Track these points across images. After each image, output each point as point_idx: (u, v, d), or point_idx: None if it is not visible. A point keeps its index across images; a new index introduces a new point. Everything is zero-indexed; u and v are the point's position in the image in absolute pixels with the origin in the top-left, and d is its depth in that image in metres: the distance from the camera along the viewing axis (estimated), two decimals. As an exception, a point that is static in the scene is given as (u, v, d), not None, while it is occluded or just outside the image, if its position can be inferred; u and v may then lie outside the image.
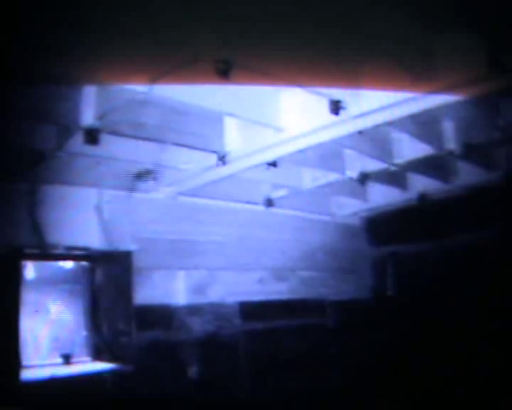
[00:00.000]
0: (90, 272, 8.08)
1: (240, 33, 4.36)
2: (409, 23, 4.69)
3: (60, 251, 7.50)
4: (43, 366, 7.36)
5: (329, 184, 8.71)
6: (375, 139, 7.19)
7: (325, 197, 10.24)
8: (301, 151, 6.76)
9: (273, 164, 7.16)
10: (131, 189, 7.86)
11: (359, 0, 4.27)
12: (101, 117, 5.66)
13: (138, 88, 5.11)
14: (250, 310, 9.31)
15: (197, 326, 8.61)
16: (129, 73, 4.86)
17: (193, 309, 8.61)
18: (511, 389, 7.90)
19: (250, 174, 7.68)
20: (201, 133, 6.53)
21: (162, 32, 4.31)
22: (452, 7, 4.50)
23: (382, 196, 9.94)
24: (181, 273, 8.58)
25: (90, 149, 5.97)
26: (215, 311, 8.87)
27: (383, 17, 4.45)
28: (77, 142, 5.89)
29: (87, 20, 4.07)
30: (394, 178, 9.00)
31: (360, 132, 6.40)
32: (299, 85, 5.63)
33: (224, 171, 7.16)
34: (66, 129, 6.00)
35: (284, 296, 9.93)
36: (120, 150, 6.73)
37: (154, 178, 7.59)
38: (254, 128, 6.53)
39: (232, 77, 4.64)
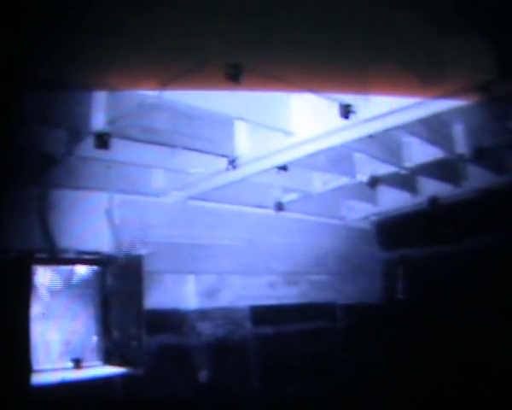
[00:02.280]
0: (101, 276, 8.10)
1: (250, 38, 4.37)
2: (418, 27, 4.69)
3: (70, 255, 7.52)
4: (53, 370, 7.37)
5: (340, 188, 8.69)
6: (385, 143, 7.19)
7: (335, 201, 10.23)
8: (311, 155, 6.76)
9: (283, 168, 7.16)
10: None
11: (369, 5, 4.26)
12: (111, 121, 5.67)
13: (149, 92, 5.12)
14: (260, 314, 9.31)
15: (207, 330, 8.61)
16: (139, 78, 4.87)
17: (203, 313, 8.62)
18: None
19: (260, 178, 7.67)
20: (211, 137, 6.53)
21: (172, 37, 4.32)
22: (461, 10, 4.49)
23: (393, 200, 9.93)
24: (191, 277, 8.59)
25: (100, 153, 5.99)
26: (225, 315, 8.87)
27: (393, 21, 4.45)
28: (87, 146, 5.90)
29: (97, 25, 4.08)
30: (405, 181, 8.98)
31: (370, 136, 6.40)
32: (309, 91, 5.63)
33: (234, 175, 7.15)
34: (77, 133, 6.01)
35: (294, 300, 9.92)
36: (131, 155, 6.75)
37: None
38: (264, 132, 6.53)
39: (242, 82, 4.64)
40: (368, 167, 8.00)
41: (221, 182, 7.50)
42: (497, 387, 8.59)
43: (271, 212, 9.32)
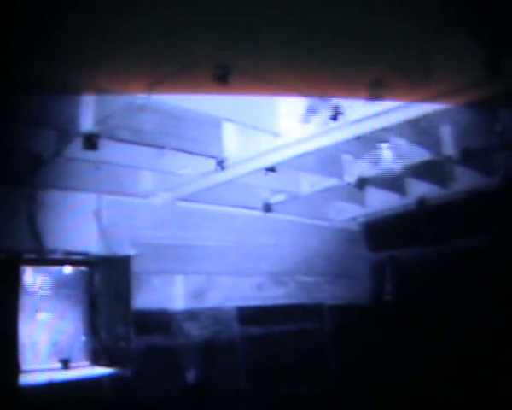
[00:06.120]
0: (89, 276, 8.09)
1: (239, 41, 4.38)
2: (407, 30, 4.71)
3: (58, 256, 7.51)
4: (41, 370, 7.35)
5: (328, 190, 8.71)
6: (372, 144, 7.21)
7: (323, 202, 10.25)
8: (299, 156, 6.77)
9: (271, 169, 7.17)
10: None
11: (357, 8, 4.29)
12: (100, 122, 5.67)
13: (137, 94, 5.12)
14: (248, 315, 9.31)
15: (195, 331, 8.61)
16: (128, 80, 4.88)
17: (191, 314, 8.61)
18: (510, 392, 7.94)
19: (248, 179, 7.68)
20: (200, 138, 6.53)
21: (161, 39, 4.32)
22: (450, 13, 4.52)
23: (380, 201, 9.95)
24: (179, 278, 8.58)
25: (89, 154, 5.99)
26: (213, 316, 8.87)
27: (381, 25, 4.47)
28: (76, 147, 5.90)
29: (86, 27, 4.09)
30: (392, 183, 9.01)
31: (358, 138, 6.42)
32: (298, 94, 5.64)
33: (223, 176, 7.16)
34: (65, 134, 6.01)
35: (282, 301, 9.93)
36: (119, 156, 6.75)
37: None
38: (252, 133, 6.54)
39: (231, 84, 4.65)
40: (356, 169, 8.02)
41: (209, 183, 7.51)
42: (485, 386, 8.63)
43: (259, 213, 9.34)
